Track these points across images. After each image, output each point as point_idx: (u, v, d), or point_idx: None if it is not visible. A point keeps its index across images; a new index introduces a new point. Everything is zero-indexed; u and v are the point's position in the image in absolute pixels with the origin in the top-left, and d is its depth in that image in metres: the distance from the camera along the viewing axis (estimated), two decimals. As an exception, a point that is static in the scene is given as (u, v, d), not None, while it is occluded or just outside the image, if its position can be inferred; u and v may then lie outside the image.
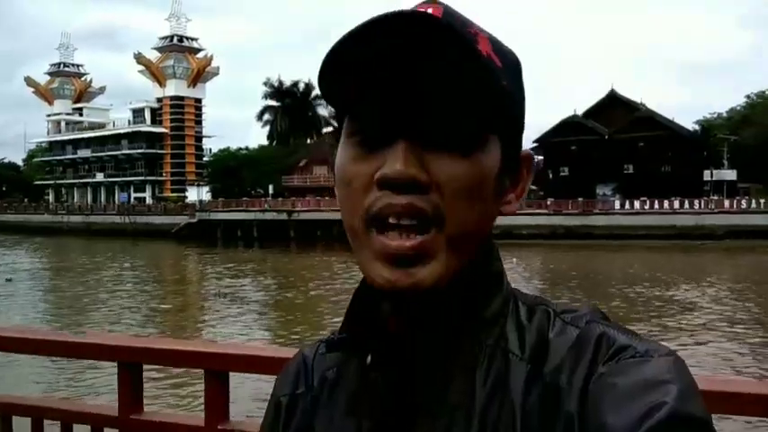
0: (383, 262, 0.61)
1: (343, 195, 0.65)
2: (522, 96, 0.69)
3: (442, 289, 0.62)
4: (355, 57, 0.59)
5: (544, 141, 62.21)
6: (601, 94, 62.86)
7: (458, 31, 0.58)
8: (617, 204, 49.87)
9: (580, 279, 25.75)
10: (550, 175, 62.51)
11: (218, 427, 1.78)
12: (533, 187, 68.80)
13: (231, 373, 1.81)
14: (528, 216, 49.22)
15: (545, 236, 46.16)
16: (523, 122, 0.70)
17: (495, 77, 0.61)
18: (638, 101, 61.21)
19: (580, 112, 61.76)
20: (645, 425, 0.51)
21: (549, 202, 51.45)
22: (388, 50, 0.58)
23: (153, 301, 22.34)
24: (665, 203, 47.64)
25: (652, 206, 47.79)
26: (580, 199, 49.76)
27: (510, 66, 0.66)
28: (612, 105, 60.15)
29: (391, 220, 0.60)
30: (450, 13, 0.63)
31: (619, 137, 57.17)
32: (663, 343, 0.62)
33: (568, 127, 59.90)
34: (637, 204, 48.35)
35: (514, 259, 32.13)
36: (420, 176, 0.59)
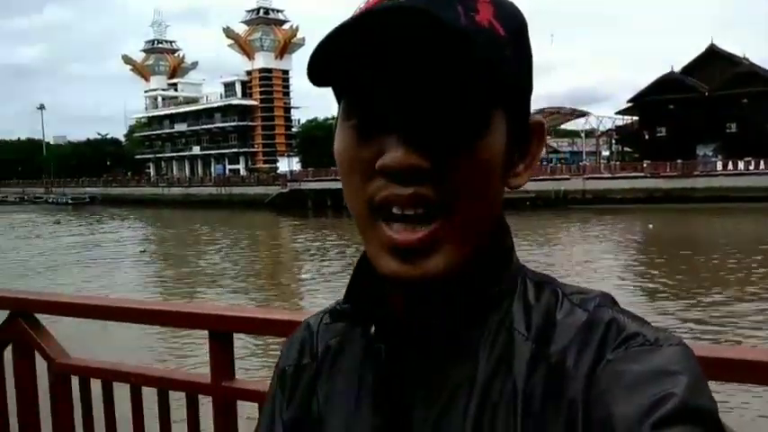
0: (391, 254, 0.60)
1: (345, 181, 0.64)
2: (529, 61, 0.65)
3: (452, 276, 0.61)
4: (345, 50, 0.57)
5: (640, 101, 59.76)
6: (700, 48, 59.62)
7: (436, 16, 0.54)
8: (719, 165, 47.40)
9: (681, 246, 24.66)
10: (646, 136, 60.08)
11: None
12: (628, 149, 66.60)
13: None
14: (623, 180, 47.58)
15: (641, 200, 44.50)
16: (531, 88, 0.66)
17: (494, 54, 0.58)
18: (741, 55, 57.62)
19: (678, 68, 58.78)
20: (653, 415, 0.51)
21: (645, 165, 49.52)
22: (376, 43, 0.56)
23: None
24: (773, 163, 44.93)
25: (757, 167, 45.10)
26: (679, 161, 47.58)
27: (514, 31, 0.62)
28: (713, 61, 56.92)
29: (395, 211, 0.59)
30: None
31: (720, 94, 54.14)
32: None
33: (666, 85, 57.15)
34: (741, 165, 45.77)
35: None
36: (422, 164, 0.58)
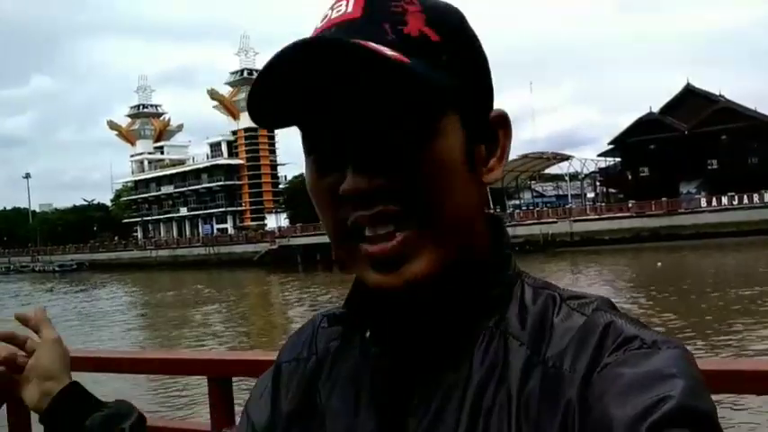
0: (372, 268, 0.61)
1: (319, 213, 0.65)
2: (475, 56, 0.65)
3: (438, 280, 0.62)
4: (281, 86, 0.59)
5: (621, 142, 60.66)
6: (676, 89, 60.88)
7: (354, 46, 0.56)
8: (703, 202, 47.89)
9: (673, 284, 24.62)
10: (630, 177, 60.75)
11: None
12: (612, 190, 67.16)
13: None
14: (609, 220, 47.87)
15: (628, 240, 44.71)
16: (484, 82, 0.66)
17: (427, 64, 0.59)
18: (717, 93, 58.86)
19: (656, 108, 59.88)
20: (650, 418, 0.51)
21: (630, 205, 49.92)
22: (308, 76, 0.58)
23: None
24: (755, 197, 45.41)
25: (741, 201, 45.64)
26: (663, 199, 48.05)
27: (450, 32, 0.63)
28: (690, 99, 58.09)
29: (368, 233, 0.61)
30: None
31: (699, 132, 55.06)
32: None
33: (645, 125, 58.13)
34: (725, 200, 46.28)
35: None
36: (376, 185, 0.59)
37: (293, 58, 0.57)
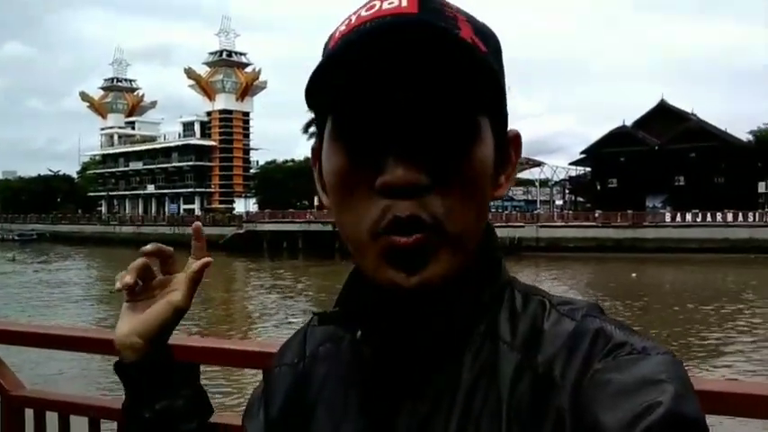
0: (390, 264, 0.60)
1: (342, 205, 0.63)
2: (504, 76, 0.67)
3: (450, 284, 0.62)
4: (342, 71, 0.58)
5: (592, 152, 61.41)
6: (650, 104, 61.82)
7: (436, 27, 0.57)
8: (667, 217, 48.70)
9: (633, 294, 25.07)
10: (598, 187, 61.56)
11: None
12: (581, 199, 68.03)
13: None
14: (575, 228, 48.45)
15: (593, 248, 45.27)
16: (506, 102, 0.68)
17: (484, 66, 0.59)
18: (690, 111, 59.93)
19: (629, 122, 60.73)
20: (639, 425, 0.51)
21: (597, 215, 50.58)
22: (372, 62, 0.57)
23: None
24: (718, 216, 46.32)
25: (704, 219, 46.50)
26: (630, 211, 48.75)
27: (494, 49, 0.64)
28: (663, 116, 59.02)
29: (396, 223, 0.60)
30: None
31: (669, 148, 56.03)
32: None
33: (617, 138, 58.94)
34: (688, 217, 47.12)
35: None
36: (421, 180, 0.58)
37: (376, 36, 0.57)
